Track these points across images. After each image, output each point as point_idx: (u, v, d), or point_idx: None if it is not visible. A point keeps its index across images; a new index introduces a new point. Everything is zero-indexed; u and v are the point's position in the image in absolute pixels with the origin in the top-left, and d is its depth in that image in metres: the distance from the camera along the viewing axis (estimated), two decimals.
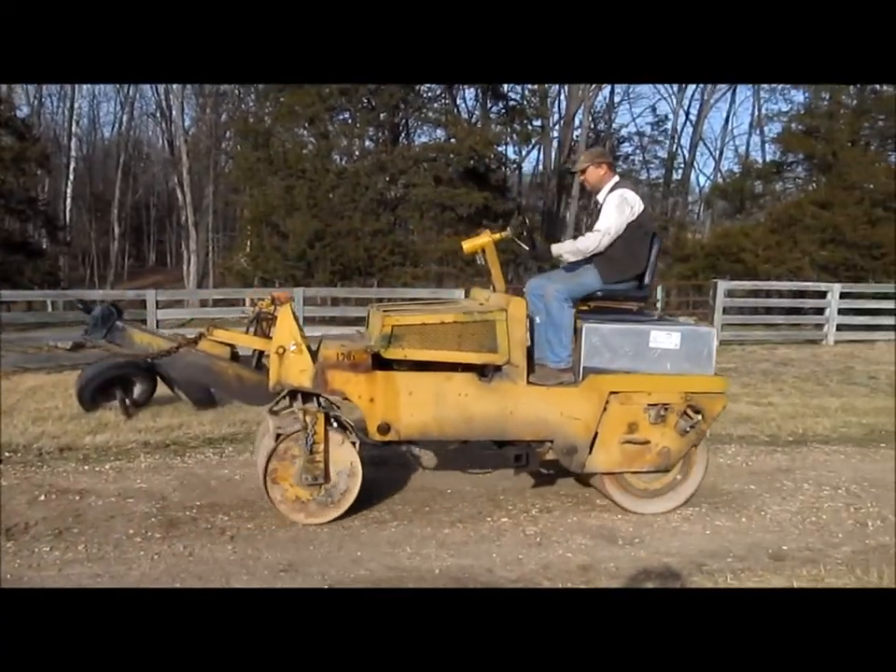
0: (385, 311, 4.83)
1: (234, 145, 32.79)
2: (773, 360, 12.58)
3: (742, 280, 19.95)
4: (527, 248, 5.18)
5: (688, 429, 4.92)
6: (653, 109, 42.00)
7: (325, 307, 17.97)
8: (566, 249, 5.06)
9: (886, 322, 15.25)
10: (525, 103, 28.63)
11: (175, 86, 33.38)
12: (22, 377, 9.47)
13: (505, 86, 27.50)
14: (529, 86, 28.36)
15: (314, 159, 24.08)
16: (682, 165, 39.20)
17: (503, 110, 28.06)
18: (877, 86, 24.94)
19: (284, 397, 4.98)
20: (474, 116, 29.27)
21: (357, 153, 26.42)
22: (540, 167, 36.91)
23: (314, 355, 4.77)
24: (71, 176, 35.87)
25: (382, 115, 25.35)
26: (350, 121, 25.81)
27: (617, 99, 37.90)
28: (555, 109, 35.04)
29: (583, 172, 5.20)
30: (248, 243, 26.51)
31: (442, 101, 27.83)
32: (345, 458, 4.72)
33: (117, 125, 45.08)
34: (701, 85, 37.09)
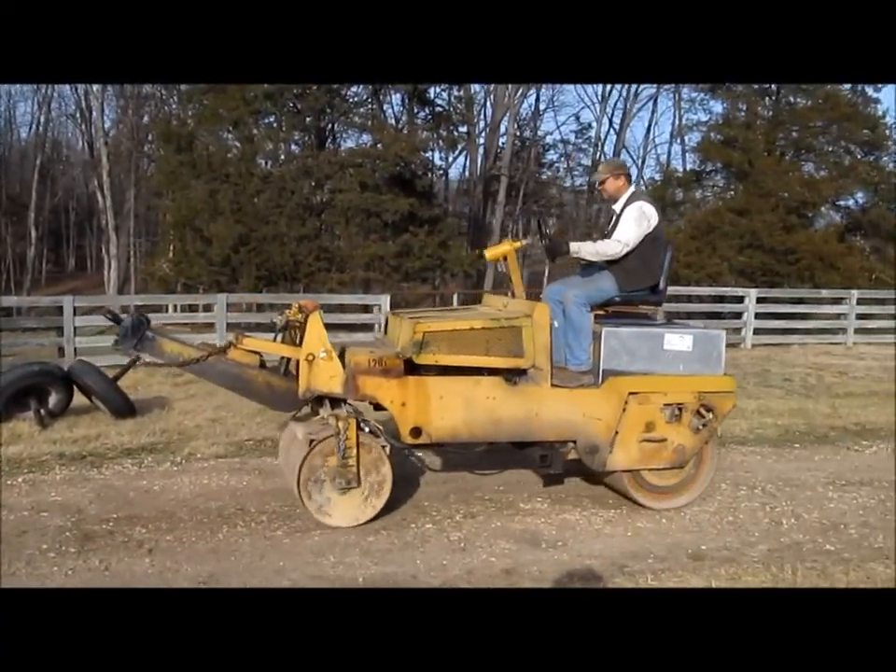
0: (412, 318, 4.96)
1: (156, 148, 32.15)
2: None
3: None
4: (543, 243, 5.44)
5: (700, 427, 5.15)
6: (577, 117, 42.62)
7: (250, 313, 17.76)
8: (585, 250, 5.25)
9: (800, 326, 15.74)
10: (451, 109, 28.79)
11: (95, 86, 32.57)
12: None
13: (431, 91, 27.60)
14: (455, 92, 28.56)
15: (238, 162, 23.82)
16: None
17: (429, 116, 28.15)
18: (791, 98, 25.81)
19: (308, 404, 5.08)
20: (401, 121, 29.28)
21: (282, 157, 26.23)
22: (466, 173, 37.20)
23: (341, 361, 4.88)
24: None
25: (308, 119, 25.23)
26: (276, 125, 25.60)
27: (542, 106, 38.41)
28: (481, 116, 35.32)
29: (603, 182, 5.43)
30: (171, 248, 26.08)
31: (369, 106, 27.79)
32: (381, 467, 4.82)
33: (34, 126, 43.84)
34: (624, 94, 37.89)
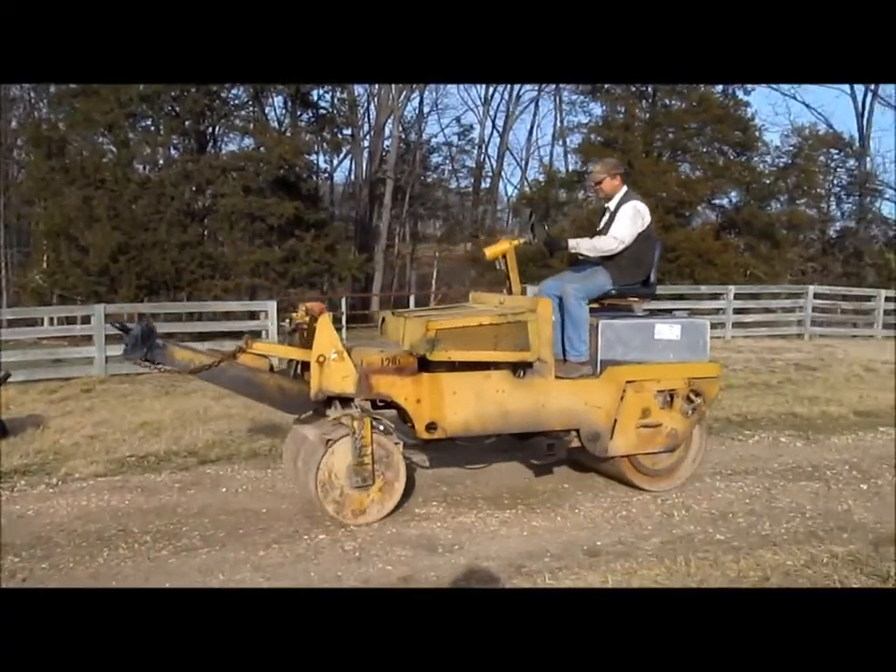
0: (420, 317, 5.14)
1: (26, 153, 30.68)
2: None
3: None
4: (535, 239, 5.73)
5: (690, 411, 5.49)
6: (458, 120, 42.80)
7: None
8: (583, 246, 5.50)
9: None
10: (334, 111, 28.51)
11: None
12: None
13: (314, 93, 27.27)
14: (339, 94, 28.30)
15: (114, 168, 22.93)
16: (490, 175, 40.32)
17: (313, 118, 27.80)
18: (667, 100, 26.64)
19: (319, 405, 5.12)
20: (283, 124, 28.81)
21: (161, 162, 25.40)
22: (352, 177, 36.92)
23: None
24: None
25: (186, 122, 24.49)
26: (153, 129, 24.77)
27: (426, 109, 38.46)
28: (365, 118, 35.14)
29: (600, 182, 5.63)
30: (45, 258, 24.94)
31: (250, 108, 27.25)
32: (394, 463, 4.98)
33: None
34: (506, 97, 38.35)
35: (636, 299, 5.74)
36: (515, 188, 42.10)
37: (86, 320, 14.28)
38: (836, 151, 31.77)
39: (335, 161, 36.22)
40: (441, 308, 6.17)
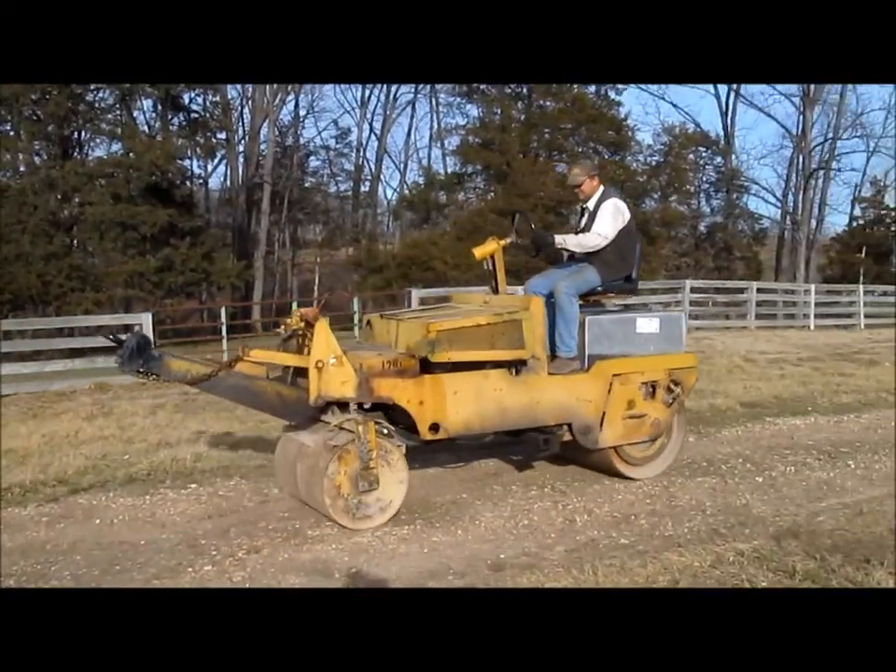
0: (416, 319, 5.26)
1: None
2: None
3: (434, 287, 20.50)
4: (520, 239, 5.85)
5: (671, 401, 5.70)
6: (336, 123, 42.06)
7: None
8: (569, 242, 5.70)
9: None
10: (207, 114, 27.67)
11: None
12: None
13: (185, 96, 26.38)
14: (211, 97, 27.48)
15: None
16: (370, 178, 40.01)
17: (184, 122, 26.89)
18: (542, 101, 26.98)
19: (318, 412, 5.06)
20: (153, 128, 27.77)
21: (22, 169, 24.07)
22: (228, 182, 35.99)
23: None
24: None
25: (49, 126, 23.29)
26: (13, 134, 23.44)
27: (302, 112, 37.82)
28: (240, 122, 34.30)
29: (580, 185, 5.75)
30: None
31: (117, 112, 26.13)
32: (395, 463, 4.99)
33: None
34: (382, 99, 38.11)
35: (618, 295, 5.98)
36: (395, 191, 41.95)
37: None
38: (704, 149, 32.94)
39: (209, 167, 35.26)
40: (427, 309, 6.14)
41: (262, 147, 32.29)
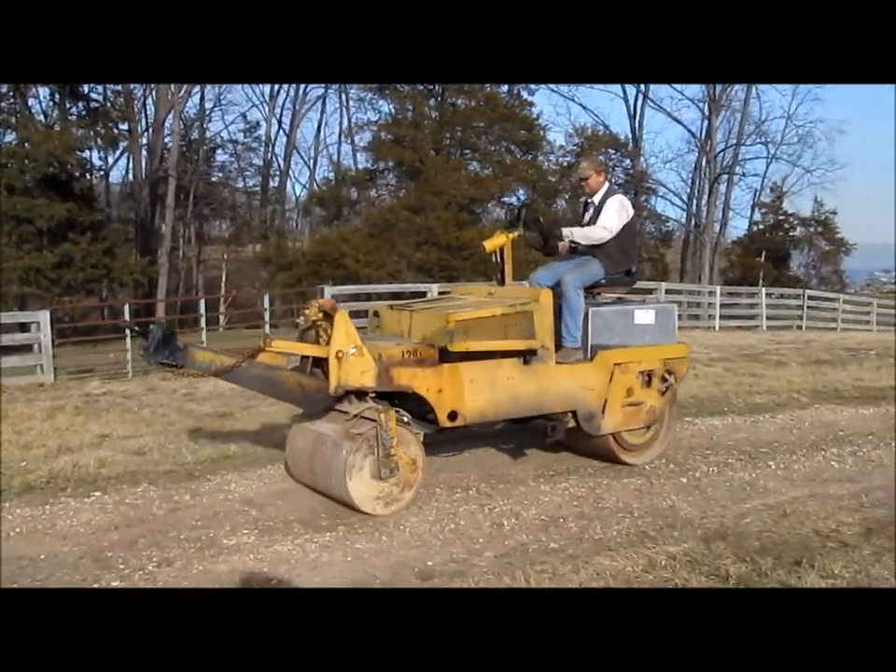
0: (434, 309, 5.46)
1: None
2: None
3: (346, 284, 20.22)
4: (527, 231, 5.99)
5: (665, 390, 5.96)
6: (244, 116, 41.05)
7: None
8: (577, 234, 5.87)
9: None
10: (108, 104, 26.67)
11: None
12: None
13: (85, 86, 25.35)
14: (112, 86, 26.51)
15: None
16: (278, 174, 39.32)
17: (84, 112, 25.84)
18: (454, 99, 26.91)
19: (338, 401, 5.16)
20: (51, 117, 26.60)
21: None
22: (130, 175, 34.84)
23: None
24: None
25: None
26: None
27: (209, 105, 36.86)
28: (143, 113, 33.21)
29: (587, 178, 5.98)
30: None
31: (11, 100, 24.94)
32: (413, 450, 5.12)
33: None
34: (291, 94, 37.47)
35: (617, 288, 6.18)
36: (304, 187, 41.30)
37: None
38: (613, 151, 33.45)
39: (111, 159, 33.99)
40: (434, 301, 6.27)
41: (167, 139, 31.30)
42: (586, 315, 5.68)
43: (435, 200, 23.97)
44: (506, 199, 28.14)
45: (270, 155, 38.65)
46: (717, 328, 21.56)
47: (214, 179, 38.57)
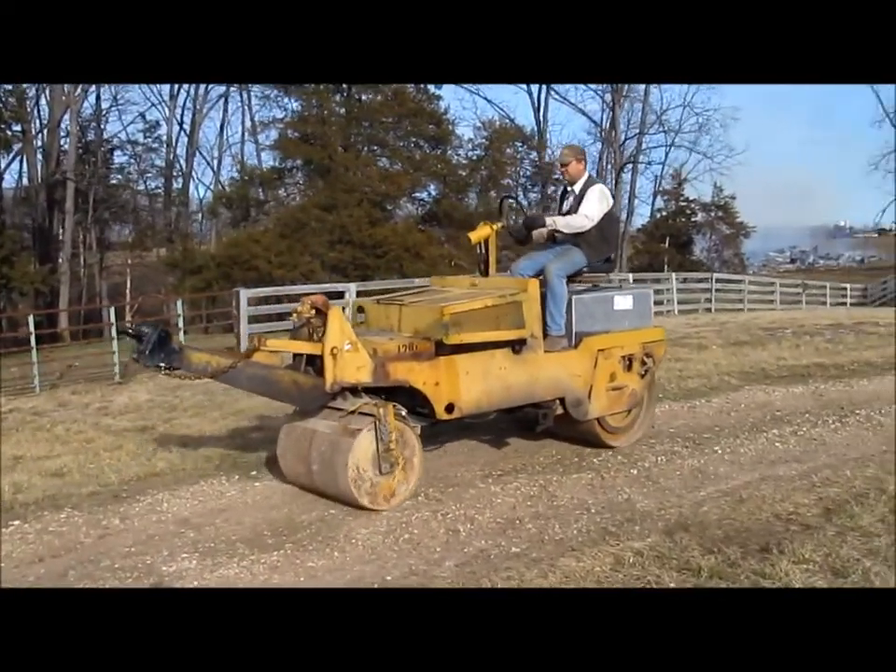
0: (427, 302, 5.51)
1: None
2: None
3: (260, 287, 19.67)
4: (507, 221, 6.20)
5: (644, 373, 6.09)
6: (143, 116, 39.51)
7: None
8: (559, 223, 5.93)
9: None
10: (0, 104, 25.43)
11: None
12: None
13: None
14: (4, 86, 25.29)
15: None
16: (181, 175, 38.22)
17: None
18: (362, 94, 26.56)
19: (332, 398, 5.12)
20: None
21: None
22: (25, 179, 33.33)
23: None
24: None
25: None
26: None
27: (105, 105, 35.50)
28: (37, 114, 31.78)
29: (567, 165, 6.06)
30: None
31: None
32: (410, 443, 5.12)
33: None
34: (192, 93, 36.45)
35: (597, 275, 6.28)
36: (207, 188, 40.19)
37: None
38: (520, 144, 33.59)
39: (3, 162, 32.41)
40: (419, 294, 6.16)
41: (63, 140, 30.06)
42: (569, 302, 5.75)
43: (346, 197, 23.58)
44: (417, 194, 27.94)
45: (171, 156, 37.54)
46: None
47: (113, 182, 37.25)
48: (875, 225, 64.83)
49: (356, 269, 23.06)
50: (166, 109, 36.99)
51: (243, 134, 38.10)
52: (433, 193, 28.04)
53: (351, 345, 4.91)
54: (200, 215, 40.72)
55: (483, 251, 6.07)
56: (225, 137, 39.17)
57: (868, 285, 35.87)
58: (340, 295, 15.74)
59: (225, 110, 38.52)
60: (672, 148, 38.80)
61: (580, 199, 5.98)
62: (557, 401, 5.80)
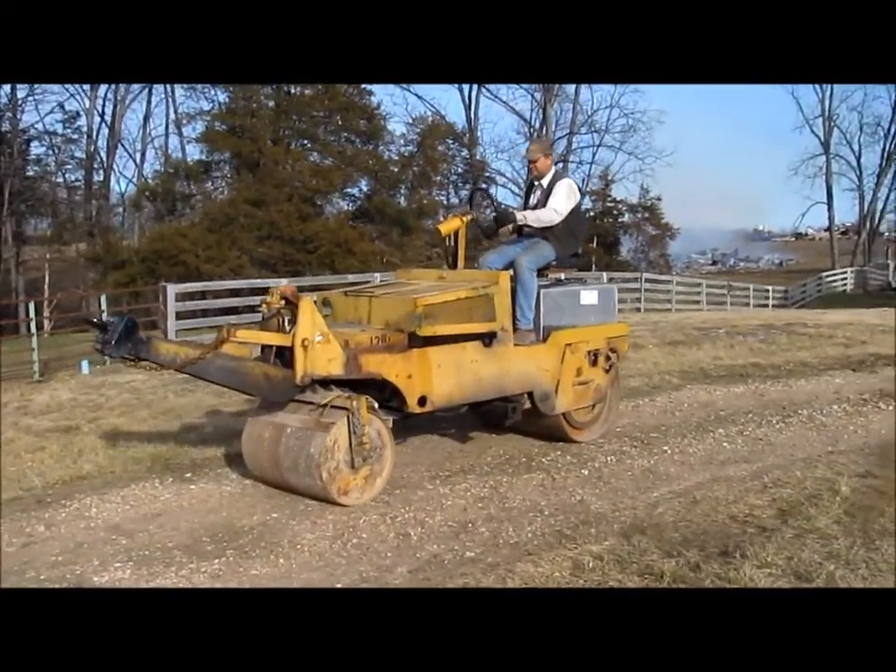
0: (399, 294, 5.42)
1: None
2: None
3: (189, 282, 19.15)
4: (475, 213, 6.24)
5: (609, 368, 6.13)
6: (62, 106, 37.98)
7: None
8: (529, 218, 5.97)
9: None
10: None
11: None
12: None
13: None
14: None
15: None
16: (102, 168, 37.07)
17: None
18: (291, 88, 26.08)
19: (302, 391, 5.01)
20: None
21: None
22: None
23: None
24: None
25: None
26: None
27: (22, 94, 34.17)
28: None
29: (535, 161, 6.08)
30: None
31: None
32: (382, 436, 5.04)
33: None
34: (114, 85, 35.33)
35: (565, 269, 6.40)
36: (129, 181, 39.03)
37: None
38: (451, 141, 33.49)
39: None
40: (387, 286, 6.04)
41: None
42: (537, 296, 5.75)
43: (276, 192, 23.11)
44: (348, 190, 27.60)
45: (92, 147, 36.34)
46: None
47: (30, 174, 35.89)
48: (793, 229, 66.97)
49: (286, 264, 22.62)
50: (86, 100, 35.86)
51: (167, 126, 37.13)
52: (365, 189, 27.76)
53: (322, 337, 4.79)
54: (122, 208, 39.55)
55: (453, 244, 6.10)
56: (148, 129, 38.14)
57: (789, 287, 36.75)
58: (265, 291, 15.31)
59: (149, 101, 37.48)
60: (599, 149, 39.20)
61: (548, 193, 6.01)
62: (525, 396, 5.78)
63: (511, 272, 5.77)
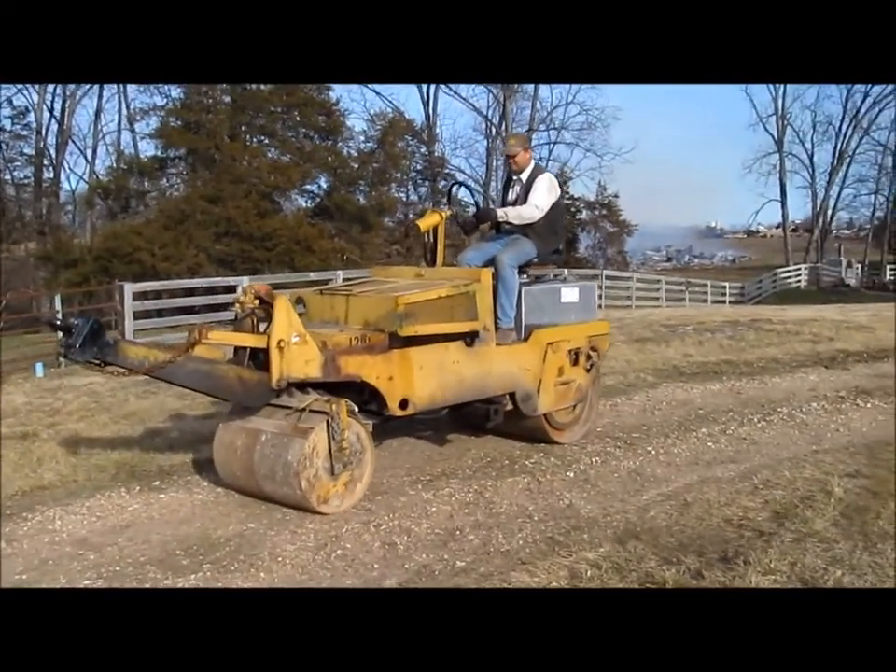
0: (379, 293, 5.23)
1: None
2: None
3: (145, 281, 18.68)
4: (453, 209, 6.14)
5: (590, 367, 5.99)
6: (10, 102, 36.83)
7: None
8: (510, 215, 5.80)
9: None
10: None
11: None
12: None
13: None
14: None
15: None
16: (52, 165, 36.17)
17: None
18: (251, 85, 25.61)
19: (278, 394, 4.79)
20: None
21: None
22: None
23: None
24: None
25: None
26: None
27: None
28: None
29: (515, 155, 5.92)
30: None
31: None
32: (362, 441, 4.85)
33: None
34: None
35: (546, 266, 6.25)
36: (80, 178, 38.12)
37: None
38: (411, 137, 33.25)
39: None
40: (364, 284, 5.79)
41: None
42: (518, 294, 5.60)
43: (233, 188, 22.69)
44: (307, 187, 27.22)
45: (42, 144, 35.43)
46: None
47: None
48: (745, 226, 67.78)
49: (244, 262, 22.20)
50: (35, 95, 34.92)
51: (119, 122, 36.30)
52: (324, 186, 27.41)
53: (299, 338, 4.58)
54: (73, 206, 38.64)
55: (432, 240, 5.95)
56: (100, 125, 37.28)
57: (745, 283, 37.14)
58: (233, 289, 14.99)
59: (100, 97, 36.56)
60: (556, 146, 39.20)
61: (528, 188, 5.86)
62: (507, 397, 5.62)
63: (491, 269, 5.57)
